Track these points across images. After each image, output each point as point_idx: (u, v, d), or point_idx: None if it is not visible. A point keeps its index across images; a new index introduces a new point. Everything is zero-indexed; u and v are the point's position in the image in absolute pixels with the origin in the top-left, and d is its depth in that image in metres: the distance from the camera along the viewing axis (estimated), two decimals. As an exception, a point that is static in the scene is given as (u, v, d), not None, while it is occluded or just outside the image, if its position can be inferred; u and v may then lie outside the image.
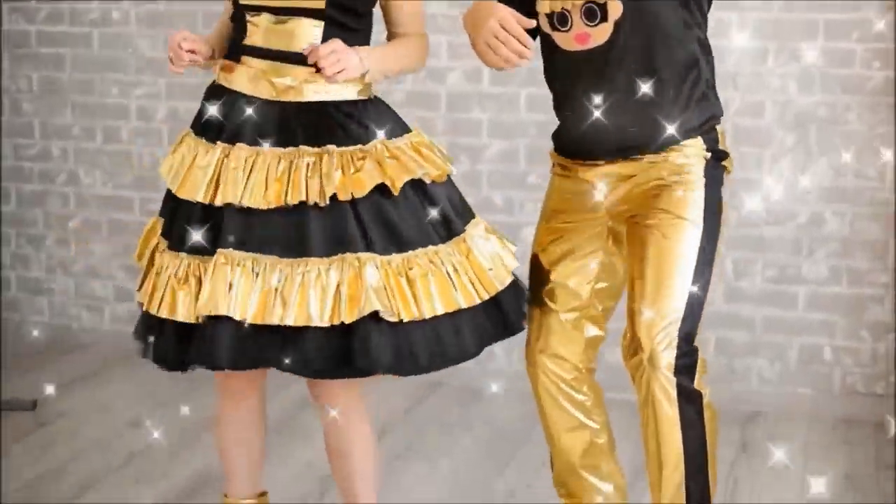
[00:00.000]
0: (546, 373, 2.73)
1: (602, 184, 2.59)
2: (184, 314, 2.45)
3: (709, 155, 2.55)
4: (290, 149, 2.46)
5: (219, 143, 2.49)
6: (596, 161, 2.59)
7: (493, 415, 3.94)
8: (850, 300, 3.90)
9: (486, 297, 2.53)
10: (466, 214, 2.61)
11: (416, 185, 2.50)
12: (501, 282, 2.57)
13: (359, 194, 2.43)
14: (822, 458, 3.60)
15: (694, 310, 2.49)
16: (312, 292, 2.38)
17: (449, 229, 2.54)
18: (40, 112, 4.63)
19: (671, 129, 2.50)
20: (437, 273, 2.47)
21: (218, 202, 2.45)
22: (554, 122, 2.69)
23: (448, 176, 2.59)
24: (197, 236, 2.46)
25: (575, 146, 2.63)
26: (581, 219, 2.66)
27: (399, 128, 2.56)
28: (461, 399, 4.06)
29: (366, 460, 2.72)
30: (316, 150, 2.46)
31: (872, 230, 3.86)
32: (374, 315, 2.39)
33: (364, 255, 2.41)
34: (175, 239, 2.53)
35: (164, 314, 2.48)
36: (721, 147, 2.59)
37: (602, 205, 2.61)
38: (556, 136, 2.69)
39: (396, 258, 2.44)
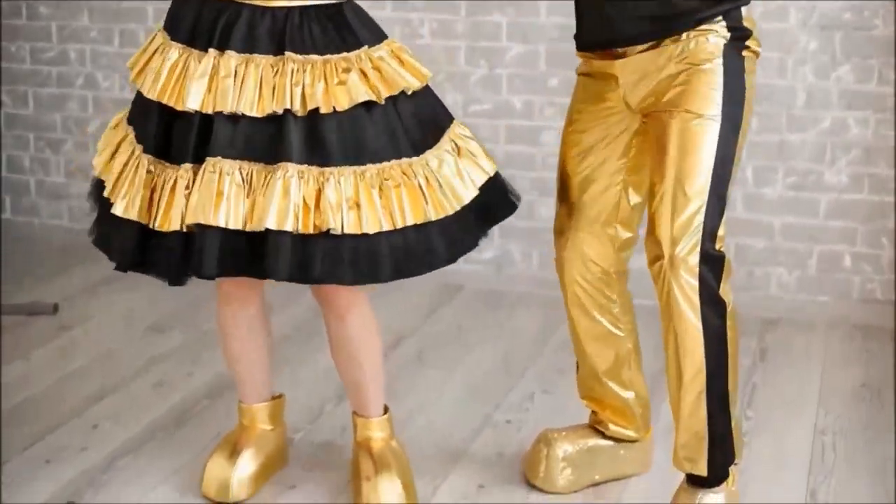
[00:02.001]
0: (575, 278, 2.72)
1: (623, 77, 2.55)
2: (174, 223, 2.45)
3: (729, 35, 2.49)
4: (278, 56, 2.45)
5: (210, 50, 2.47)
6: (615, 51, 2.55)
7: (512, 320, 3.95)
8: (872, 207, 3.88)
9: (458, 207, 2.52)
10: (443, 121, 2.60)
11: (395, 95, 2.49)
12: (474, 189, 2.56)
13: (339, 108, 2.43)
14: (841, 366, 3.60)
15: (716, 209, 2.45)
16: (287, 198, 2.40)
17: (424, 140, 2.53)
18: (57, 15, 4.60)
19: (690, 5, 2.45)
20: (409, 185, 2.47)
21: (209, 110, 2.44)
22: (573, 24, 2.66)
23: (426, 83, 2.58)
24: (186, 144, 2.46)
25: (593, 36, 2.58)
26: (605, 117, 2.63)
27: (378, 35, 2.55)
28: (479, 304, 4.07)
29: (372, 360, 2.75)
30: (301, 57, 2.44)
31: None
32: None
33: (332, 169, 2.42)
34: (153, 143, 2.51)
35: (157, 225, 2.47)
36: (745, 24, 2.51)
37: (623, 100, 2.58)
38: (577, 32, 2.65)
39: (371, 169, 2.44)
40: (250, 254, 2.42)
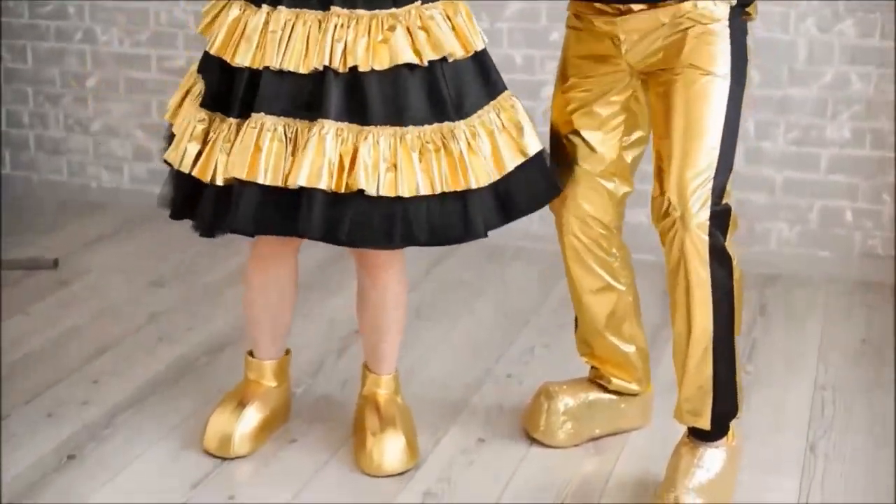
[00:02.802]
0: (574, 233, 2.72)
1: (624, 35, 2.54)
2: (215, 176, 2.45)
3: (734, 0, 2.49)
4: (326, 11, 2.41)
5: (263, 6, 2.45)
6: (619, 7, 2.53)
7: (513, 275, 3.95)
8: (873, 162, 3.87)
9: (496, 178, 2.50)
10: (493, 90, 2.56)
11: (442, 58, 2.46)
12: (515, 161, 2.54)
13: (379, 67, 2.40)
14: (841, 321, 3.61)
15: (725, 165, 2.46)
16: (322, 156, 2.38)
17: (469, 105, 2.50)
18: (55, -32, 4.58)
19: None
20: (450, 151, 2.44)
21: (257, 66, 2.43)
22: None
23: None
24: (235, 98, 2.46)
25: None
26: (601, 73, 2.62)
27: None
28: (481, 258, 4.07)
29: (398, 321, 2.76)
30: (347, 12, 2.41)
31: (898, 92, 3.81)
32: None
33: (371, 128, 2.40)
34: (212, 97, 2.52)
35: (196, 173, 2.48)
36: None
37: (623, 58, 2.57)
38: None
39: (412, 131, 2.42)
40: (286, 211, 2.41)
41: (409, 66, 2.43)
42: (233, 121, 2.46)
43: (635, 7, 2.50)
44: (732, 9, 2.49)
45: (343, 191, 2.39)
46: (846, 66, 3.83)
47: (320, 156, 2.38)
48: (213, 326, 3.51)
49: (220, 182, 2.45)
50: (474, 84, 2.52)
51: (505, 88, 2.60)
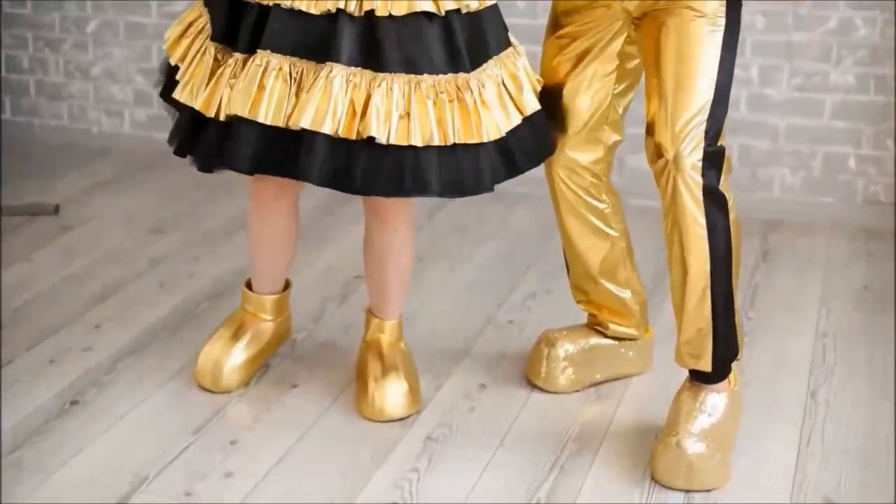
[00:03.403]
0: (564, 181, 2.72)
1: None
2: (213, 110, 2.43)
3: None
4: None
5: None
6: None
7: (514, 219, 3.95)
8: (878, 108, 3.85)
9: (503, 133, 2.49)
10: (500, 44, 2.55)
11: (457, 9, 2.44)
12: (518, 117, 2.53)
13: (396, 13, 2.37)
14: (843, 267, 3.60)
15: (718, 107, 2.45)
16: (328, 100, 2.35)
17: (479, 58, 2.47)
18: (54, -88, 4.54)
19: None
20: (463, 102, 2.42)
21: (267, 1, 2.40)
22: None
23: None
24: (243, 34, 2.42)
25: None
26: (593, 20, 2.60)
27: None
28: (483, 203, 4.06)
29: (404, 268, 2.77)
30: None
31: (903, 37, 3.79)
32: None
33: (386, 75, 2.37)
34: (221, 31, 2.49)
35: (198, 106, 2.46)
36: None
37: (620, 3, 2.55)
38: None
39: (427, 80, 2.39)
40: (287, 153, 2.39)
41: (427, 15, 2.39)
42: (239, 56, 2.43)
43: None
44: None
45: (354, 137, 2.36)
46: (851, 10, 3.80)
47: (326, 100, 2.35)
48: (215, 272, 3.51)
49: (222, 118, 2.43)
50: (486, 37, 2.50)
51: (510, 44, 2.58)
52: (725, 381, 2.59)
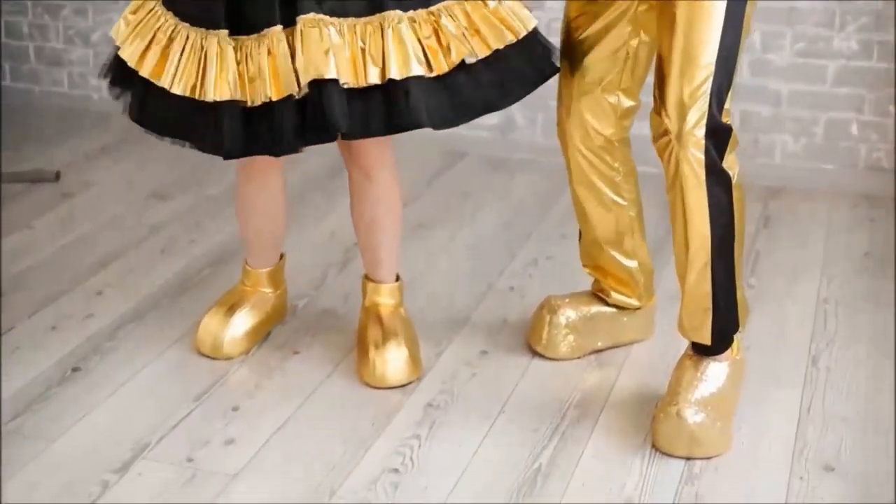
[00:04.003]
0: (576, 145, 2.71)
1: None
2: (288, 88, 2.38)
3: None
4: None
5: None
6: None
7: (516, 186, 3.94)
8: (880, 74, 3.84)
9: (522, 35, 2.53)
10: None
11: None
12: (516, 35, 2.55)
13: None
14: (844, 234, 3.60)
15: (722, 82, 2.43)
16: (405, 45, 2.39)
17: None
18: None
19: None
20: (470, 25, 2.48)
21: None
22: None
23: None
24: (270, 8, 2.38)
25: None
26: None
27: None
28: (484, 170, 4.06)
29: (392, 223, 2.78)
30: None
31: (906, 2, 3.77)
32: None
33: (438, 5, 2.43)
34: (184, 9, 2.47)
35: (178, 90, 2.45)
36: None
37: None
38: None
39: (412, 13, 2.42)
40: (383, 106, 2.40)
41: None
42: (278, 29, 2.37)
43: None
44: None
45: (445, 70, 2.43)
46: (855, -25, 3.79)
47: (403, 45, 2.39)
48: (216, 239, 3.51)
49: (295, 94, 2.39)
50: None
51: None
52: (728, 350, 2.59)
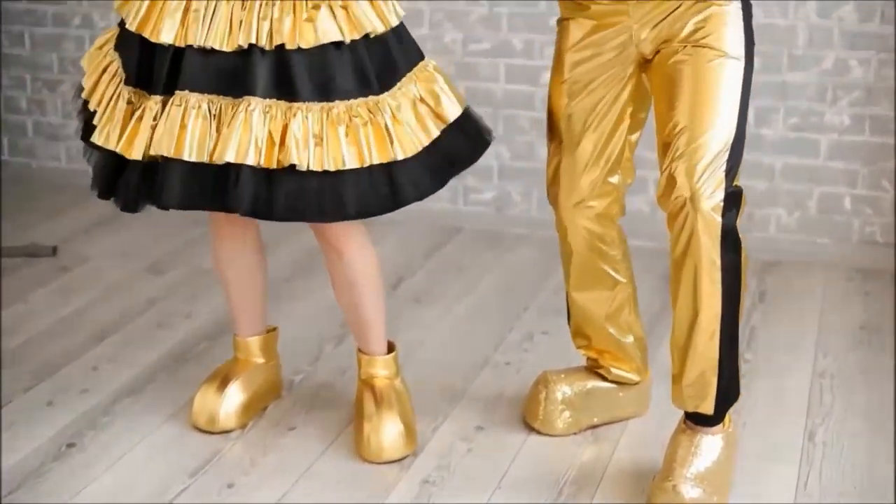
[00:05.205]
0: (577, 231, 2.70)
1: (636, 20, 2.51)
2: (137, 152, 2.48)
3: None
4: None
5: None
6: None
7: (511, 261, 3.95)
8: (873, 149, 3.86)
9: (423, 146, 2.53)
10: (411, 60, 2.59)
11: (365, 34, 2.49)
12: (436, 130, 2.57)
13: (305, 45, 2.42)
14: (839, 308, 3.60)
15: (738, 146, 2.45)
16: (249, 132, 2.42)
17: (390, 79, 2.52)
18: (53, -47, 4.57)
19: None
20: (376, 123, 2.47)
21: (181, 43, 2.46)
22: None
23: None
24: (159, 76, 2.48)
25: None
26: (605, 63, 2.58)
27: None
28: (479, 244, 4.07)
29: (374, 297, 2.76)
30: None
31: (897, 78, 3.81)
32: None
33: (300, 104, 2.43)
34: (134, 74, 2.54)
35: (119, 150, 2.51)
36: None
37: (634, 44, 2.54)
38: None
39: (339, 106, 2.45)
40: (215, 187, 2.45)
41: (335, 44, 2.45)
42: (158, 98, 2.48)
43: None
44: None
45: (275, 167, 2.43)
46: (846, 51, 3.82)
47: (248, 132, 2.42)
48: (212, 312, 3.51)
49: (145, 159, 2.48)
50: (394, 57, 2.55)
51: (422, 58, 2.62)
52: (721, 423, 2.58)
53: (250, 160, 2.41)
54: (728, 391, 2.55)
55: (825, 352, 3.31)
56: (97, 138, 2.56)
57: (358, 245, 2.70)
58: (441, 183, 2.60)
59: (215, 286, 3.67)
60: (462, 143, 2.62)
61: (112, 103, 2.56)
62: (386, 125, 2.48)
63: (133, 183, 2.52)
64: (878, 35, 3.78)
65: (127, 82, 2.55)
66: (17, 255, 3.89)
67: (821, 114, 3.89)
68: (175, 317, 3.49)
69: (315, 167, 2.42)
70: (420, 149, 2.53)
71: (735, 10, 2.47)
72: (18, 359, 3.21)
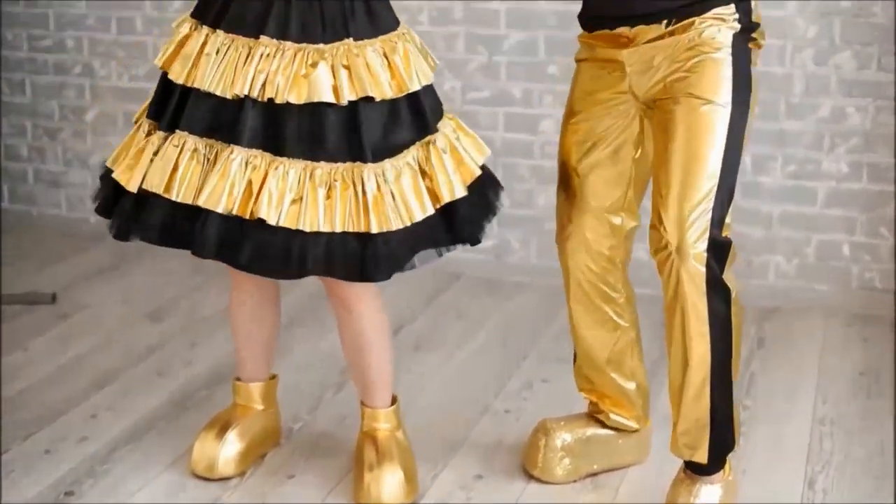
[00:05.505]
0: (580, 268, 2.71)
1: (630, 66, 2.52)
2: (133, 184, 2.53)
3: (739, 27, 2.48)
4: (254, 40, 2.48)
5: (204, 27, 2.54)
6: (622, 38, 2.52)
7: (510, 308, 3.95)
8: (871, 196, 3.88)
9: (406, 224, 2.49)
10: (418, 131, 2.55)
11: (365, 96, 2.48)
12: (430, 209, 2.53)
13: (295, 101, 2.44)
14: (839, 355, 3.60)
15: (724, 196, 2.45)
16: (225, 180, 2.44)
17: (387, 146, 2.49)
18: (54, 3, 4.59)
19: None
20: (357, 191, 2.45)
21: (190, 84, 2.51)
22: (574, 11, 2.65)
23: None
24: (166, 113, 2.55)
25: (598, 12, 2.56)
26: (612, 105, 2.60)
27: (382, 27, 2.52)
28: (479, 291, 4.07)
29: (380, 353, 2.75)
30: (275, 43, 2.46)
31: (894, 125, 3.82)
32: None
33: (284, 159, 2.45)
34: (154, 107, 2.62)
35: (119, 178, 2.58)
36: (754, 19, 2.52)
37: (630, 89, 2.56)
38: (582, 10, 2.62)
39: (323, 167, 2.45)
40: (189, 228, 2.48)
41: (329, 103, 2.45)
42: (161, 134, 2.54)
43: (640, 38, 2.51)
44: (736, 35, 2.48)
45: (248, 217, 2.44)
46: (843, 98, 3.84)
47: (224, 179, 2.44)
48: (212, 360, 3.51)
49: (135, 189, 2.53)
50: (401, 126, 2.52)
51: (434, 131, 2.58)
52: (720, 471, 2.58)
53: (220, 207, 2.44)
54: (722, 440, 2.54)
55: (825, 398, 3.31)
56: (110, 160, 2.64)
57: (367, 303, 2.69)
58: (416, 261, 2.56)
59: (215, 333, 3.68)
60: (466, 210, 2.58)
61: (134, 131, 2.63)
62: (367, 195, 2.45)
63: (126, 211, 2.56)
64: (875, 82, 3.80)
65: (148, 115, 2.62)
66: (16, 303, 3.89)
67: (818, 161, 3.90)
68: (174, 364, 3.49)
69: (288, 225, 2.43)
70: (404, 225, 2.48)
71: (724, 55, 2.47)
72: (17, 406, 3.21)
